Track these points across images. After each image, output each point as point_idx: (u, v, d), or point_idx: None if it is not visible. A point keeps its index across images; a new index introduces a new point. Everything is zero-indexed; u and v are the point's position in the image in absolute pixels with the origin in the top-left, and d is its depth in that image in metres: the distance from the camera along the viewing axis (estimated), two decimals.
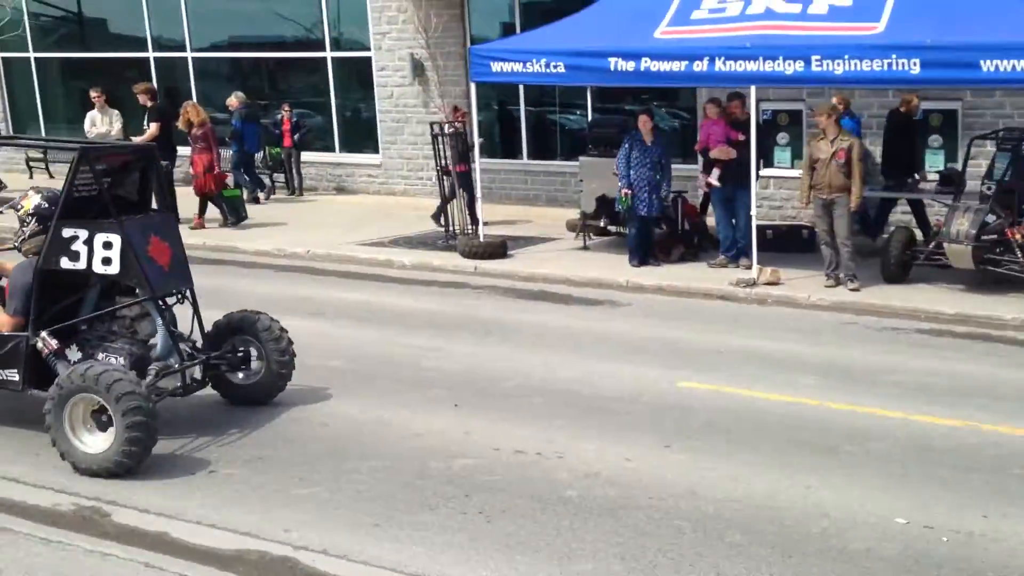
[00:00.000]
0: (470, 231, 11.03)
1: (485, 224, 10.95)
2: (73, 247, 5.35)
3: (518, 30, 13.43)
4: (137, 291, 5.63)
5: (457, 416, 5.84)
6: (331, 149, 17.21)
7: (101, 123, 12.98)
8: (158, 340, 5.57)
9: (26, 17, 19.17)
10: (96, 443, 4.91)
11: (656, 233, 10.32)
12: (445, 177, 11.50)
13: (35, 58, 20.15)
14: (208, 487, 4.70)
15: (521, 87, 13.59)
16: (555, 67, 9.52)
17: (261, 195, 15.14)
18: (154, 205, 6.03)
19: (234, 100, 14.81)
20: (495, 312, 8.56)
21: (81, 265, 5.36)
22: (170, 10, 18.19)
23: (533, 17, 13.46)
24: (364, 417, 5.82)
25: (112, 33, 20.34)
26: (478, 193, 11.00)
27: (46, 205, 5.47)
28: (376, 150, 16.55)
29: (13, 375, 5.32)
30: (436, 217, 12.04)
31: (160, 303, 5.56)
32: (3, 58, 20.06)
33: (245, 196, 13.86)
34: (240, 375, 6.03)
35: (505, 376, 6.59)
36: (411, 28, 14.56)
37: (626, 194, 9.75)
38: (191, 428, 5.55)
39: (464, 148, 11.23)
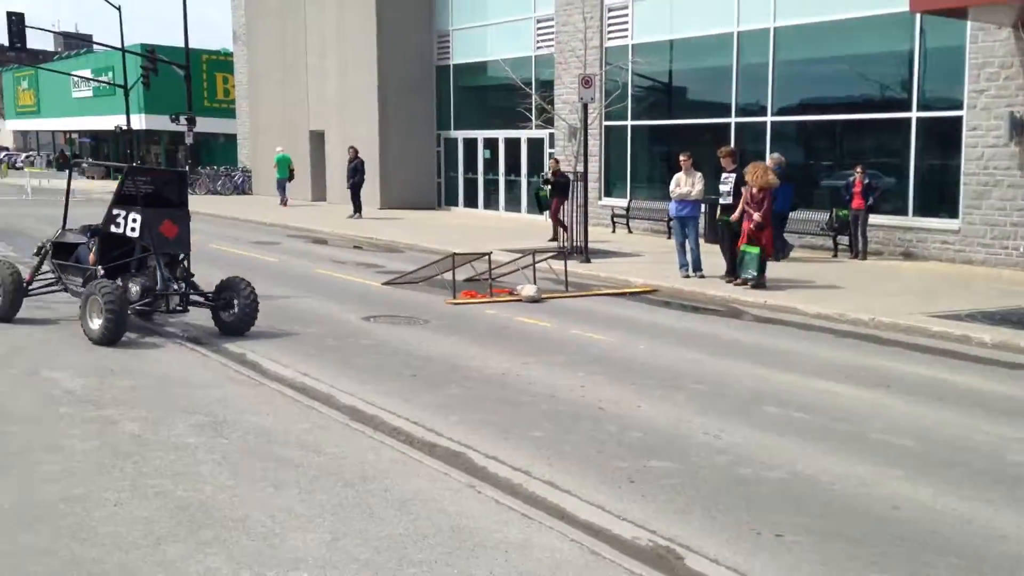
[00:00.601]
0: None
1: None
2: (118, 220, 9.59)
3: None
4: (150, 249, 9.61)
5: None
6: (902, 212, 16.43)
7: (684, 183, 14.03)
8: (157, 279, 9.42)
9: (629, 89, 21.62)
10: (96, 324, 8.77)
11: None
12: None
13: (631, 126, 22.62)
14: (774, 550, 4.78)
15: None
16: None
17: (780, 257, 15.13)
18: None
19: (770, 161, 14.98)
20: None
21: (119, 231, 9.60)
22: (757, 77, 19.03)
23: None
24: (939, 507, 5.41)
25: (695, 100, 21.96)
26: None
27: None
28: (955, 214, 15.41)
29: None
30: None
31: (176, 260, 9.87)
32: (607, 126, 22.84)
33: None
34: (225, 314, 9.73)
35: None
36: (1013, 85, 13.32)
37: None
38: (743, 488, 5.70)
39: None
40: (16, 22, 36.49)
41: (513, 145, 27.26)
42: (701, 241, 14.58)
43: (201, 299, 9.89)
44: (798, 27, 18.40)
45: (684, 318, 11.72)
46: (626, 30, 22.49)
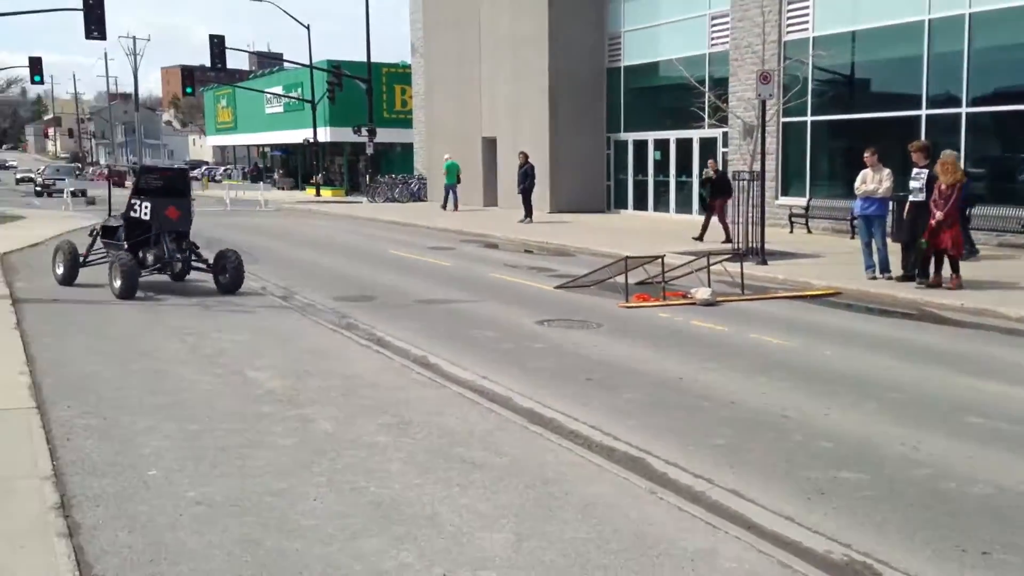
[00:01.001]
0: None
1: None
2: (135, 207, 12.69)
3: None
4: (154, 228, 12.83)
5: None
6: None
7: (871, 180, 13.37)
8: (164, 250, 12.63)
9: (809, 84, 20.83)
10: (116, 284, 11.98)
11: None
12: None
13: (811, 121, 21.78)
14: (981, 569, 4.47)
15: None
16: None
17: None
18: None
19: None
20: None
21: (136, 215, 12.67)
22: (950, 66, 17.92)
23: None
24: None
25: (880, 93, 20.88)
26: None
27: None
28: None
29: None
30: None
31: (174, 238, 12.92)
32: (785, 123, 22.11)
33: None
34: (221, 278, 12.86)
35: None
36: None
37: None
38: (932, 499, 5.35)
39: None
40: (217, 44, 39.31)
41: (685, 145, 26.85)
42: (888, 241, 13.85)
43: (203, 266, 13.10)
44: (998, 12, 17.16)
45: (872, 322, 11.16)
46: (806, 23, 21.68)
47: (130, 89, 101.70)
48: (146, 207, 12.70)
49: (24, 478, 5.17)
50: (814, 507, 5.18)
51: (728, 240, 18.31)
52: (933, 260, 12.63)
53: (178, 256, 12.84)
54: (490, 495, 5.21)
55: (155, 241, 12.85)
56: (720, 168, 20.66)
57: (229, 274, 12.82)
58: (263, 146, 70.96)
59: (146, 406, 6.90)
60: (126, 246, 12.71)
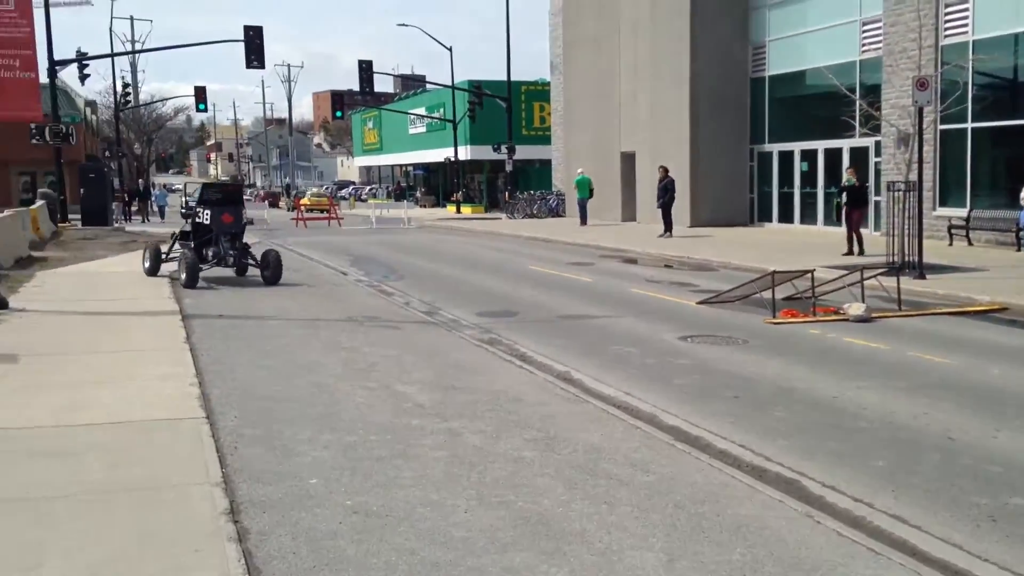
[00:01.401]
0: None
1: None
2: (199, 214, 16.06)
3: None
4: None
5: None
6: None
7: None
8: (220, 248, 15.82)
9: (969, 89, 19.78)
10: (182, 276, 15.00)
11: None
12: None
13: (971, 128, 20.65)
14: None
15: None
16: None
17: None
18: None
19: None
20: None
21: (200, 221, 16.01)
22: None
23: None
24: None
25: None
26: None
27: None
28: None
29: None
30: None
31: (229, 238, 16.12)
32: (943, 130, 21.05)
33: None
34: (265, 272, 15.74)
35: None
36: None
37: None
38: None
39: None
40: (365, 69, 40.88)
41: (833, 156, 25.95)
42: None
43: (253, 263, 16.17)
44: None
45: None
46: (965, 25, 20.63)
47: (284, 114, 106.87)
48: (207, 213, 16.06)
49: (197, 484, 5.50)
50: (984, 535, 4.90)
51: (853, 252, 18.13)
52: None
53: (231, 253, 16.03)
54: (639, 513, 5.18)
55: (214, 241, 16.06)
56: (860, 176, 19.98)
57: (271, 270, 15.87)
58: (406, 165, 73.10)
59: (305, 417, 7.21)
60: (192, 245, 15.99)
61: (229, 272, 16.72)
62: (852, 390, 8.14)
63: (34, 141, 33.49)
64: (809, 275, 12.98)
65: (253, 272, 16.51)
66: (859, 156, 24.68)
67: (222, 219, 15.99)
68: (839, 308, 12.20)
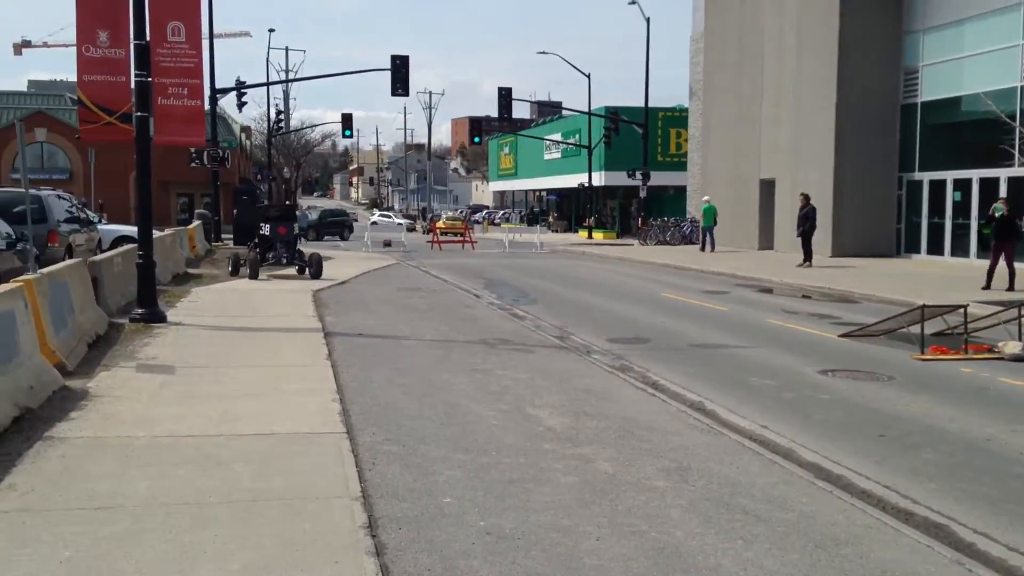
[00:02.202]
0: None
1: None
2: (263, 228, 22.15)
3: None
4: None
5: None
6: None
7: None
8: (277, 252, 22.15)
9: None
10: (247, 269, 20.89)
11: None
12: None
13: None
14: None
15: None
16: None
17: None
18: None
19: None
20: None
21: (264, 233, 22.05)
22: None
23: None
24: None
25: None
26: None
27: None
28: None
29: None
30: None
31: (290, 244, 22.24)
32: None
33: None
34: (309, 270, 21.12)
35: None
36: None
37: None
38: None
39: None
40: (504, 96, 41.65)
41: (990, 186, 24.64)
42: None
43: (303, 263, 21.41)
44: None
45: None
46: None
47: (423, 140, 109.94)
48: (266, 227, 22.02)
49: (338, 497, 5.70)
50: None
51: (990, 287, 17.16)
52: None
53: (284, 256, 21.93)
54: (776, 551, 5.04)
55: (273, 247, 22.03)
56: (1011, 208, 18.91)
57: (314, 268, 21.10)
58: (540, 190, 73.76)
59: (440, 436, 7.37)
60: (258, 250, 21.55)
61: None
62: (1007, 433, 7.69)
63: (193, 164, 35.65)
64: (962, 310, 12.34)
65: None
66: (1018, 186, 23.33)
67: (278, 231, 21.91)
68: (993, 346, 11.54)
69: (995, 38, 24.44)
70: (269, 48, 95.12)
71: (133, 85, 14.04)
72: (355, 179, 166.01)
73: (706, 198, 33.95)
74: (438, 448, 7.01)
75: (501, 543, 5.09)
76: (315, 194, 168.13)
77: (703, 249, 32.80)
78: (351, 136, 53.14)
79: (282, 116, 61.38)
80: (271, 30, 70.62)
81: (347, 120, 48.42)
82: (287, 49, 73.34)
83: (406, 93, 34.49)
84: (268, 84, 55.51)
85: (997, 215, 18.47)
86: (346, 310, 15.79)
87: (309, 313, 14.82)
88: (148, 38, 13.94)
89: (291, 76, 70.61)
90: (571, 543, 5.11)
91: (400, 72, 33.72)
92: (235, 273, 21.37)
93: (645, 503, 5.83)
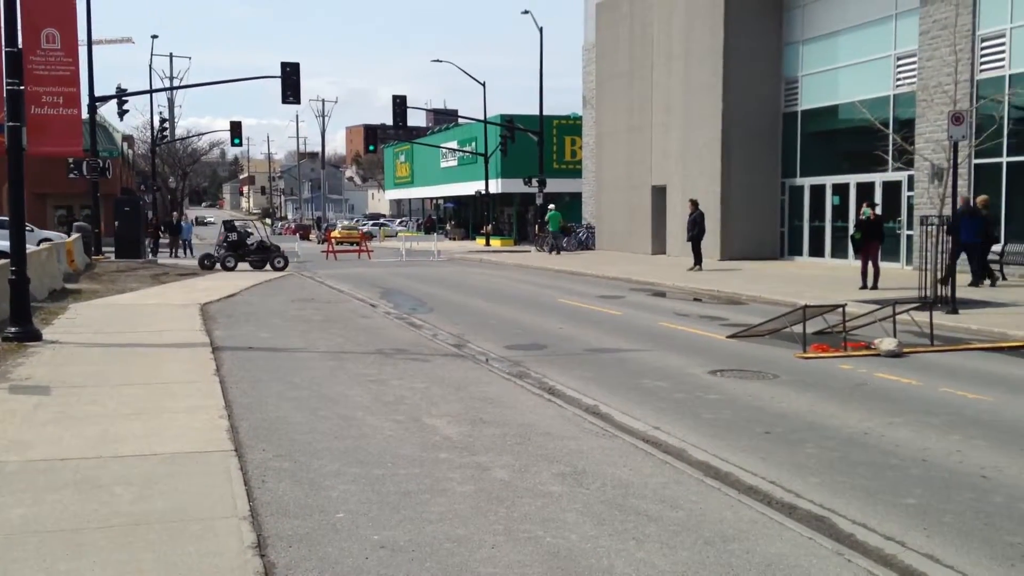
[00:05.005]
0: None
1: None
2: (228, 236, 29.62)
3: None
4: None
5: None
6: None
7: None
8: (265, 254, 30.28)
9: (1005, 123, 19.64)
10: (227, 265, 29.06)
11: None
12: None
13: (1007, 163, 20.46)
14: None
15: None
16: None
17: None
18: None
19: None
20: None
21: (232, 239, 29.67)
22: None
23: None
24: None
25: None
26: None
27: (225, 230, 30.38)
28: None
29: (229, 262, 28.87)
30: None
31: (264, 247, 30.35)
32: (977, 164, 20.87)
33: None
34: (277, 262, 29.19)
35: None
36: None
37: None
38: None
39: None
40: (399, 104, 41.40)
41: (866, 190, 25.82)
42: None
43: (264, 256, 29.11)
44: None
45: None
46: (1002, 60, 20.54)
47: (317, 148, 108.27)
48: (227, 235, 29.05)
49: (225, 518, 5.52)
50: (1018, 575, 4.80)
51: (867, 286, 18.41)
52: None
53: (240, 255, 29.27)
54: (667, 550, 5.13)
55: (230, 248, 29.03)
56: (879, 212, 20.16)
57: (282, 262, 28.88)
58: (437, 198, 73.62)
59: (333, 450, 7.24)
60: (223, 251, 28.69)
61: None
62: (884, 426, 8.04)
63: (71, 175, 34.17)
64: (840, 309, 12.86)
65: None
66: (891, 190, 24.53)
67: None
68: (870, 343, 12.07)
69: (869, 49, 25.64)
70: (152, 54, 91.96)
71: (5, 94, 13.37)
72: (246, 188, 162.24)
73: (551, 206, 38.08)
74: (331, 462, 6.88)
75: (395, 556, 5.02)
76: (203, 204, 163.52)
77: (551, 252, 36.39)
78: (240, 144, 51.94)
79: (167, 124, 59.48)
80: (154, 36, 67.73)
81: (236, 128, 47.27)
82: (171, 56, 70.85)
83: (297, 101, 33.95)
84: (151, 91, 53.64)
85: (863, 218, 19.38)
86: (236, 323, 15.38)
87: (196, 327, 14.38)
88: (20, 45, 13.30)
89: (176, 83, 68.53)
90: (466, 553, 5.08)
91: (291, 79, 33.15)
92: (209, 270, 28.35)
93: (540, 508, 5.86)
